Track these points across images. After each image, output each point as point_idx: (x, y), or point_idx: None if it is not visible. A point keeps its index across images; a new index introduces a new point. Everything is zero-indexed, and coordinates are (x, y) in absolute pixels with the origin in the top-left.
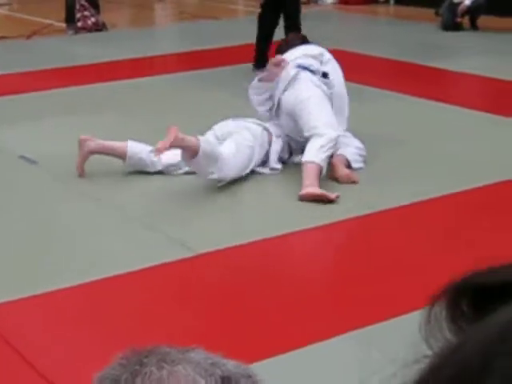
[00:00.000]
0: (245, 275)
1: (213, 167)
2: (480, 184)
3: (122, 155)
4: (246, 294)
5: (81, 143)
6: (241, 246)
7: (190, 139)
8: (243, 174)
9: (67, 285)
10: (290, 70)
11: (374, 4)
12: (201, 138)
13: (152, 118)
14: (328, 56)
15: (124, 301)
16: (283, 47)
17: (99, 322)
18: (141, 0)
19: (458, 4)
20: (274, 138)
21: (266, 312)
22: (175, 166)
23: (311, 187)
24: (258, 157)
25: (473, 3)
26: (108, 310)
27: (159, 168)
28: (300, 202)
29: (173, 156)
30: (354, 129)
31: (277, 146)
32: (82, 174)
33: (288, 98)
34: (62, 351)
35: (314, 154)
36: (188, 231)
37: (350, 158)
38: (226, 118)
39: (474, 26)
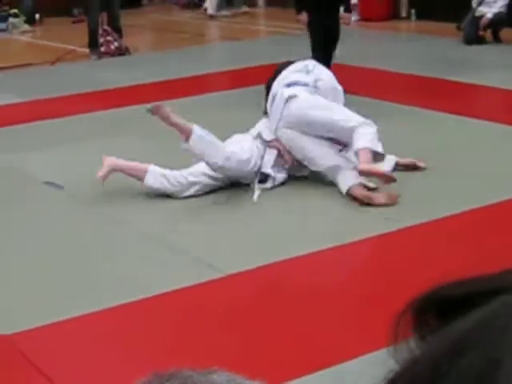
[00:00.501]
0: (274, 295)
1: (211, 151)
2: (509, 197)
3: (142, 176)
4: (273, 315)
5: (104, 161)
6: (269, 266)
7: (180, 123)
8: (244, 172)
9: (95, 309)
10: (282, 93)
11: (395, 20)
12: (198, 127)
13: (175, 140)
14: (312, 63)
15: (153, 325)
16: (270, 81)
17: (127, 346)
18: (162, 24)
19: (480, 17)
20: (268, 151)
21: (293, 332)
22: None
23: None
24: (253, 163)
25: (495, 16)
26: (136, 334)
27: (179, 182)
28: (322, 219)
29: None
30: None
31: (270, 157)
32: (104, 178)
33: (296, 113)
34: (89, 375)
35: (366, 140)
36: (214, 251)
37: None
38: None
39: (496, 39)
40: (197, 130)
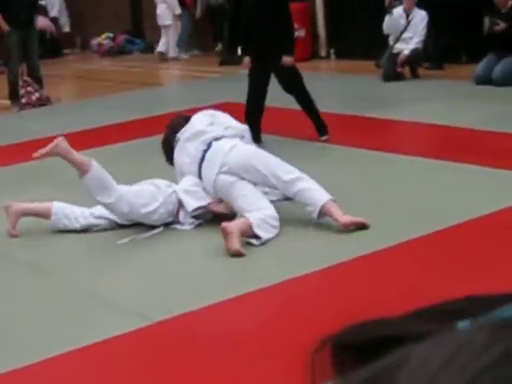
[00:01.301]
0: (204, 341)
1: (102, 193)
2: (433, 229)
3: (47, 214)
4: (206, 361)
5: (6, 209)
6: (197, 311)
7: (81, 156)
8: (140, 214)
9: (22, 364)
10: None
11: (315, 60)
12: (96, 163)
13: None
14: (211, 112)
15: (76, 379)
16: (171, 139)
17: None
18: (83, 72)
19: (398, 54)
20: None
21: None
22: (97, 225)
23: (347, 216)
24: (162, 210)
25: (412, 52)
26: None
27: (82, 223)
28: (243, 260)
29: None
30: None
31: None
32: (15, 234)
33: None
34: None
35: (324, 193)
36: (138, 298)
37: None
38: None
39: (414, 75)
40: (94, 168)
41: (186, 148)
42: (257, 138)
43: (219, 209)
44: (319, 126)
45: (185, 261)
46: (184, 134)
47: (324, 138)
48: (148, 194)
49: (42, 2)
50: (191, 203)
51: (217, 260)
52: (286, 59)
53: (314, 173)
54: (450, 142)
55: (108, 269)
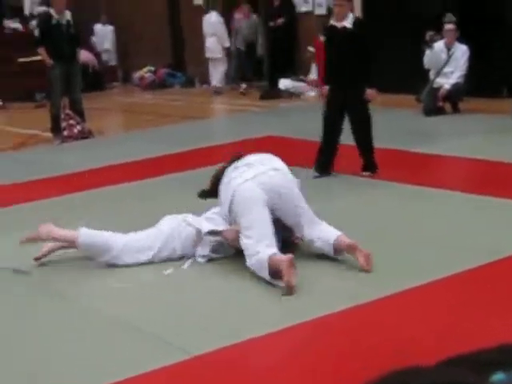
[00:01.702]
0: (245, 375)
1: (101, 255)
2: (472, 266)
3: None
4: None
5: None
6: (237, 345)
7: (66, 233)
8: (147, 257)
9: None
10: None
11: None
12: (82, 231)
13: (139, 221)
14: (269, 155)
15: None
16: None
17: None
18: (125, 105)
19: (438, 89)
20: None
21: None
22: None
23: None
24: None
25: (453, 87)
26: None
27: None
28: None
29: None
30: (346, 218)
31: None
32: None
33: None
34: None
35: (335, 230)
36: (178, 330)
37: None
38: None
39: (455, 109)
40: (80, 240)
41: (229, 176)
42: (326, 170)
43: (232, 236)
44: (369, 164)
45: (222, 295)
46: (233, 166)
47: (367, 173)
48: (146, 241)
49: (94, 38)
50: (206, 226)
51: (254, 294)
52: (370, 92)
53: (353, 207)
54: (491, 176)
55: (145, 300)
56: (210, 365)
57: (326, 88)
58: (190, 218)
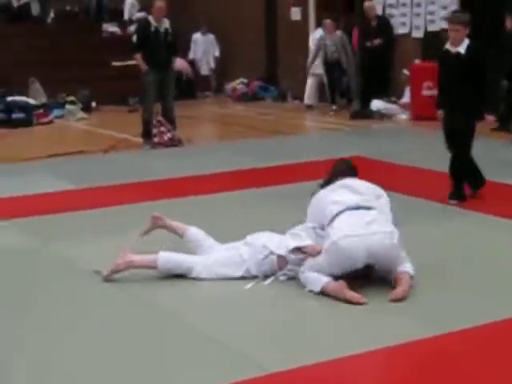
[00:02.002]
0: None
1: (183, 273)
2: None
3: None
4: None
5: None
6: (313, 366)
7: (145, 262)
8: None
9: None
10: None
11: None
12: (162, 254)
13: (219, 232)
14: (379, 189)
15: None
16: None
17: None
18: (216, 116)
19: None
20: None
21: None
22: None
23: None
24: (249, 265)
25: None
26: None
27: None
28: (366, 319)
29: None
30: (431, 245)
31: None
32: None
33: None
34: None
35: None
36: (257, 347)
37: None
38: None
39: None
40: (160, 258)
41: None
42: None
43: (313, 252)
44: (458, 192)
45: (303, 313)
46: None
47: (453, 202)
48: (231, 264)
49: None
50: (290, 243)
51: (338, 315)
52: (489, 118)
53: (437, 236)
54: None
55: (226, 314)
56: (284, 383)
57: (440, 112)
58: (271, 242)
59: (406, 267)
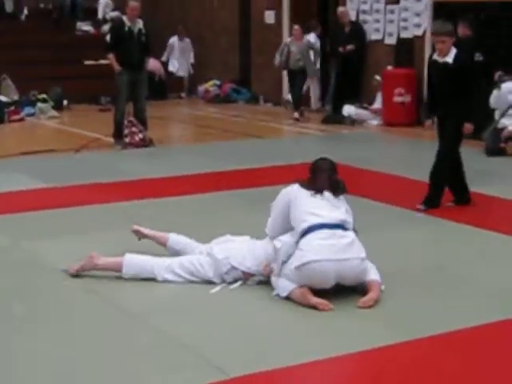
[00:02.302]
0: None
1: (149, 276)
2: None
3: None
4: None
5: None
6: (275, 371)
7: (110, 263)
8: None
9: None
10: None
11: (418, 126)
12: (127, 258)
13: (187, 234)
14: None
15: None
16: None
17: None
18: (188, 117)
19: (502, 129)
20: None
21: None
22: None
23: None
24: (210, 275)
25: None
26: None
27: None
28: (331, 323)
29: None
30: (399, 252)
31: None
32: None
33: None
34: None
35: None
36: (220, 351)
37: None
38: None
39: None
40: (126, 261)
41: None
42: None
43: (266, 273)
44: (431, 198)
45: (269, 317)
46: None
47: (422, 207)
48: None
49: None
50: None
51: (305, 321)
52: (468, 126)
53: (405, 242)
54: None
55: (192, 317)
56: None
57: (430, 122)
58: (234, 258)
59: (374, 275)
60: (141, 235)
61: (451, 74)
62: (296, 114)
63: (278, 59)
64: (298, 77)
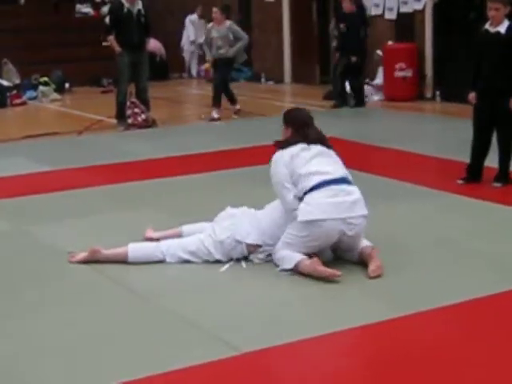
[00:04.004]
0: (282, 378)
1: (154, 259)
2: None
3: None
4: None
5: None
6: (283, 346)
7: (114, 254)
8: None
9: None
10: None
11: (420, 101)
12: (131, 245)
13: (188, 214)
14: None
15: None
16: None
17: None
18: (189, 97)
19: None
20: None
21: None
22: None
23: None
24: (217, 257)
25: None
26: None
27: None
28: (344, 302)
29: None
30: (398, 226)
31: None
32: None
33: None
34: None
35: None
36: (230, 328)
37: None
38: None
39: None
40: (130, 249)
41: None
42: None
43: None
44: (502, 175)
45: (278, 294)
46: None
47: (498, 184)
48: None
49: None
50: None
51: (311, 296)
52: None
53: (405, 216)
54: None
55: (202, 295)
56: (253, 363)
57: (473, 95)
58: (238, 232)
59: (366, 241)
60: (154, 241)
61: (502, 44)
62: (214, 113)
63: (206, 50)
64: (220, 67)
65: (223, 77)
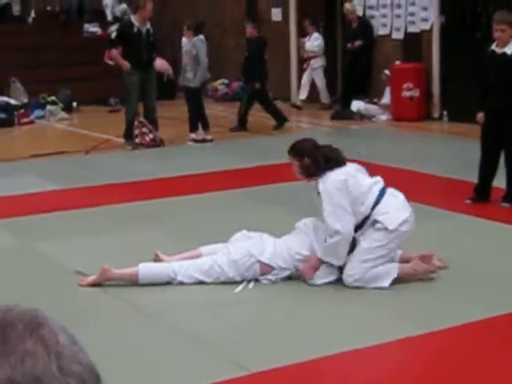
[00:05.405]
0: None
1: (165, 281)
2: None
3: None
4: None
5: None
6: (296, 365)
7: (125, 274)
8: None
9: None
10: None
11: (427, 120)
12: (142, 265)
13: (201, 233)
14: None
15: None
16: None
17: None
18: None
19: None
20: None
21: None
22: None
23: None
24: (230, 275)
25: None
26: None
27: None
28: (346, 320)
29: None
30: (408, 247)
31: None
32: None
33: None
34: None
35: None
36: (241, 348)
37: None
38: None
39: None
40: (141, 268)
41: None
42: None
43: (308, 275)
44: (511, 194)
45: (289, 314)
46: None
47: (506, 204)
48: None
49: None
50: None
51: (321, 315)
52: None
53: (416, 233)
54: None
55: (212, 315)
56: (267, 382)
57: (481, 115)
58: (254, 248)
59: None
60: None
61: (509, 65)
62: (192, 135)
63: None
64: (189, 97)
65: (195, 106)
